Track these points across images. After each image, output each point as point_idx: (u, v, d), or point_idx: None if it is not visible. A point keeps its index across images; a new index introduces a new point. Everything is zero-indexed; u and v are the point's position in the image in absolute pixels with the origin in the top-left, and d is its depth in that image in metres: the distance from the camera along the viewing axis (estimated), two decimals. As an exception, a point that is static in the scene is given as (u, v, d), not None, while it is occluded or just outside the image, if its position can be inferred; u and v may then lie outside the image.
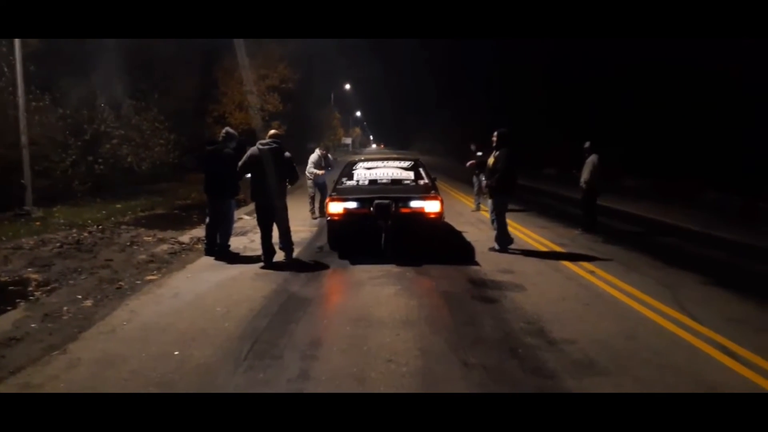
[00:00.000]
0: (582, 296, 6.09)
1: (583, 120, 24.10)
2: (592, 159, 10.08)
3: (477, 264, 7.57)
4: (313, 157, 11.61)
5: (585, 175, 10.13)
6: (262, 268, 7.34)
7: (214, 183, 7.72)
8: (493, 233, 8.54)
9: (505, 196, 8.39)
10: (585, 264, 7.59)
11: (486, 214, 10.69)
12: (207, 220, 7.98)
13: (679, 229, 11.37)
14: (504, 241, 8.43)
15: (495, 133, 8.47)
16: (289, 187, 7.66)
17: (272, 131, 7.92)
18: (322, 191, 11.56)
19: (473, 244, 8.96)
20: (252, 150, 7.40)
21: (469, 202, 14.28)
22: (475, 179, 12.78)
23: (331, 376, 3.90)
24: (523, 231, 10.37)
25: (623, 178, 19.94)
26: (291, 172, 7.55)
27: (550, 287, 6.45)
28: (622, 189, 18.33)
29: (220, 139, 7.95)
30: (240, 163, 7.44)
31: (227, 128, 8.25)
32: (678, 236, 10.53)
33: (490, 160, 8.44)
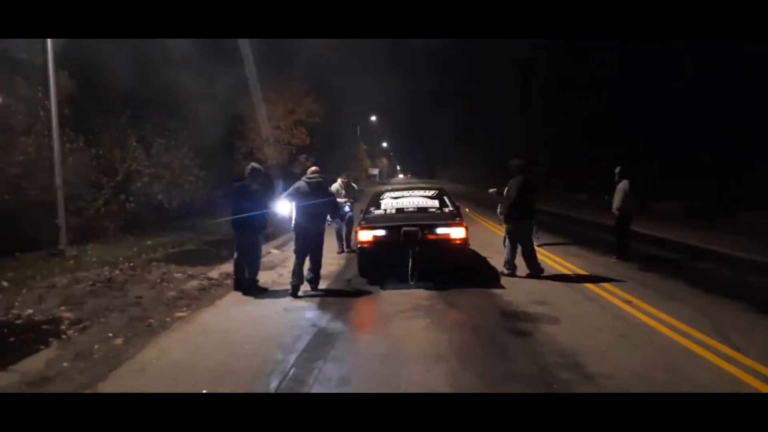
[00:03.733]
0: (618, 327, 5.89)
1: (614, 144, 23.82)
2: (623, 185, 9.89)
3: (508, 295, 7.42)
4: (335, 186, 11.27)
5: (617, 201, 9.94)
6: (292, 296, 7.50)
7: (242, 218, 7.77)
8: (520, 261, 8.67)
9: (518, 222, 8.62)
10: (620, 293, 7.38)
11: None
12: (235, 255, 8.02)
13: (717, 254, 11.01)
14: (512, 267, 8.63)
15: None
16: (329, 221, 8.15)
17: (313, 168, 8.35)
18: (348, 224, 11.47)
19: (507, 277, 8.78)
20: (300, 183, 7.89)
21: (498, 231, 14.10)
22: None
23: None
24: (555, 259, 10.18)
25: (655, 202, 19.52)
26: (333, 207, 8.12)
27: (585, 318, 6.26)
28: (655, 213, 17.91)
29: (247, 174, 8.03)
30: (286, 193, 7.95)
31: (253, 164, 8.36)
32: (716, 261, 10.20)
33: (505, 190, 8.77)
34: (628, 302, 6.92)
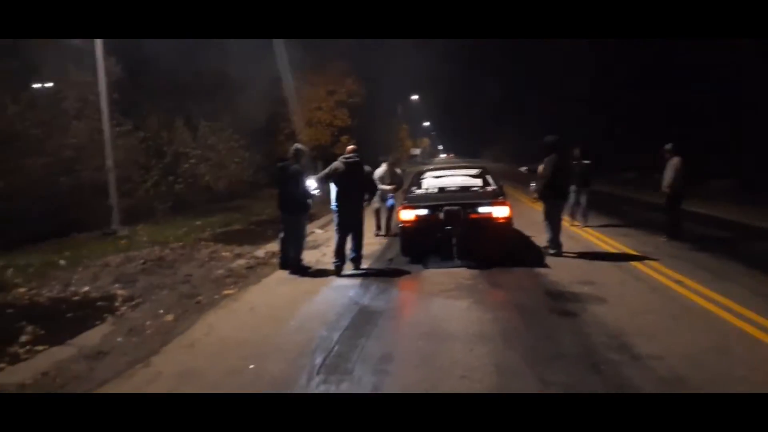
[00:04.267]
0: (669, 308, 5.72)
1: (665, 120, 23.00)
2: (674, 161, 9.54)
3: (554, 274, 7.30)
4: (379, 171, 10.86)
5: (667, 178, 9.60)
6: (335, 275, 7.58)
7: (287, 199, 7.86)
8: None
9: (553, 201, 8.53)
10: (671, 273, 7.16)
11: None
12: (281, 235, 8.13)
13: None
14: (556, 245, 8.54)
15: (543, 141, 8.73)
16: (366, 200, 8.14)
17: (351, 146, 8.31)
18: (390, 210, 11.09)
19: (552, 256, 8.64)
20: (336, 163, 7.90)
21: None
22: (572, 194, 11.08)
23: (402, 391, 3.82)
24: (602, 239, 9.95)
25: (709, 180, 18.77)
26: (370, 186, 8.20)
27: (634, 299, 6.11)
28: (709, 192, 17.23)
29: (290, 155, 8.09)
30: (323, 173, 7.97)
31: (296, 145, 8.40)
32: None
33: (540, 168, 8.58)
34: (679, 282, 6.71)
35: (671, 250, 8.80)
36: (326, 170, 7.95)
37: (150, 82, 15.30)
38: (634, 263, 7.88)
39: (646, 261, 7.95)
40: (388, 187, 10.79)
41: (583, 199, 11.29)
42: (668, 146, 9.75)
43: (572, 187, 11.01)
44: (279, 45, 21.10)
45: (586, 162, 11.30)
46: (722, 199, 15.97)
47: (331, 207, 8.19)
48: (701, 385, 3.79)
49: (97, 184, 11.65)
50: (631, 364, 4.21)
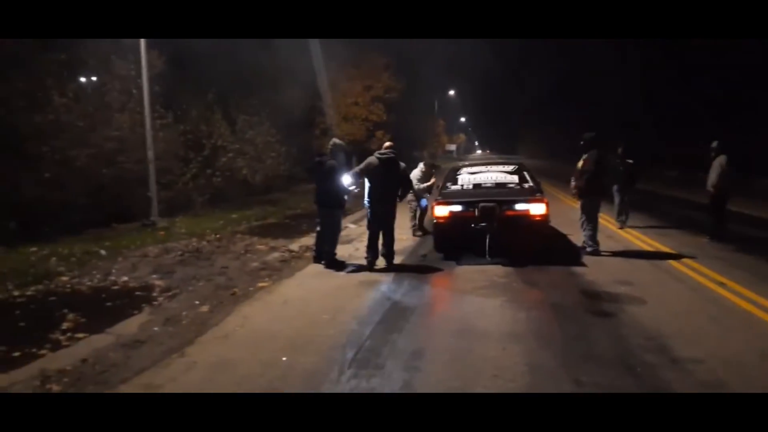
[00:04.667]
0: (710, 310, 5.55)
1: (709, 118, 22.29)
2: (720, 160, 9.24)
3: (591, 274, 7.16)
4: (416, 172, 10.67)
5: (712, 177, 9.30)
6: (368, 270, 7.60)
7: (323, 193, 7.89)
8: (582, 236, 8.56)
9: (592, 197, 8.38)
10: (713, 274, 6.94)
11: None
12: (317, 229, 8.17)
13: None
14: (594, 243, 8.38)
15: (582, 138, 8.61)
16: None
17: (388, 143, 8.28)
18: (424, 209, 10.80)
19: (589, 256, 8.46)
20: (371, 158, 7.87)
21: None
22: (616, 194, 10.97)
23: (434, 388, 3.80)
24: (642, 239, 9.71)
25: (757, 179, 18.10)
26: (405, 182, 8.04)
27: (673, 300, 5.94)
28: (756, 192, 16.63)
29: (329, 150, 8.12)
30: (358, 169, 7.90)
31: (335, 140, 8.42)
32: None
33: (579, 164, 8.45)
34: (721, 284, 6.50)
35: (714, 251, 8.53)
36: (361, 165, 7.93)
37: (191, 75, 15.57)
38: (674, 263, 7.68)
39: (687, 261, 7.74)
40: (423, 185, 10.60)
41: (626, 200, 10.94)
42: (714, 144, 9.45)
43: (615, 187, 10.80)
44: (314, 43, 21.20)
45: (630, 161, 10.93)
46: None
47: (364, 202, 8.19)
48: (742, 389, 3.66)
49: (137, 175, 11.93)
50: (669, 367, 4.10)
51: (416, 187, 10.34)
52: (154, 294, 6.52)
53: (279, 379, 4.02)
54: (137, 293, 6.56)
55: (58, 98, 11.17)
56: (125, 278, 7.23)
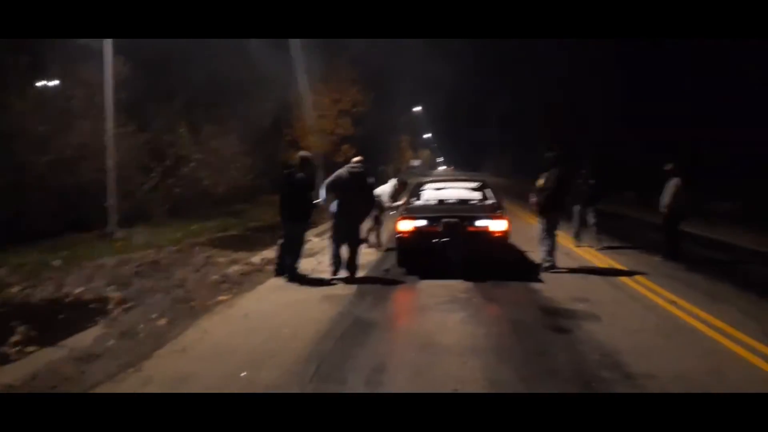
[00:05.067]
0: (662, 328, 5.73)
1: (666, 139, 23.09)
2: (674, 182, 9.56)
3: (549, 291, 7.31)
4: (387, 188, 10.63)
5: (666, 198, 9.62)
6: (331, 282, 7.70)
7: (290, 206, 7.85)
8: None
9: (554, 214, 8.53)
10: (666, 293, 7.17)
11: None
12: (280, 241, 8.12)
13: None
14: (551, 261, 8.52)
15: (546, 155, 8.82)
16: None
17: (357, 157, 8.35)
18: (380, 224, 10.74)
19: (546, 272, 8.63)
20: (341, 172, 7.93)
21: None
22: (576, 213, 11.08)
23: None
24: (598, 257, 9.96)
25: (712, 202, 18.80)
26: (371, 198, 8.33)
27: (628, 317, 6.11)
28: (711, 214, 17.24)
29: (297, 163, 8.11)
30: (329, 182, 7.89)
31: (302, 153, 8.42)
32: (769, 265, 9.81)
33: (540, 182, 8.61)
34: (673, 303, 6.72)
35: (667, 270, 8.81)
36: (331, 178, 7.93)
37: (158, 84, 15.32)
38: (629, 282, 7.90)
39: (642, 280, 7.97)
40: (395, 204, 10.46)
41: (591, 220, 10.95)
42: (669, 166, 9.77)
43: (576, 207, 11.00)
44: (296, 48, 21.20)
45: (592, 181, 10.98)
46: (724, 221, 16.01)
47: (330, 213, 8.17)
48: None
49: (97, 184, 11.65)
50: (624, 383, 4.21)
51: (387, 204, 10.42)
52: (110, 306, 6.36)
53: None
54: (92, 305, 6.40)
55: (18, 102, 10.85)
56: (80, 290, 7.04)
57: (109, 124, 11.17)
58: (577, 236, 11.17)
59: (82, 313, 6.08)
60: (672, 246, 9.76)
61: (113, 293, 6.87)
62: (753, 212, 16.87)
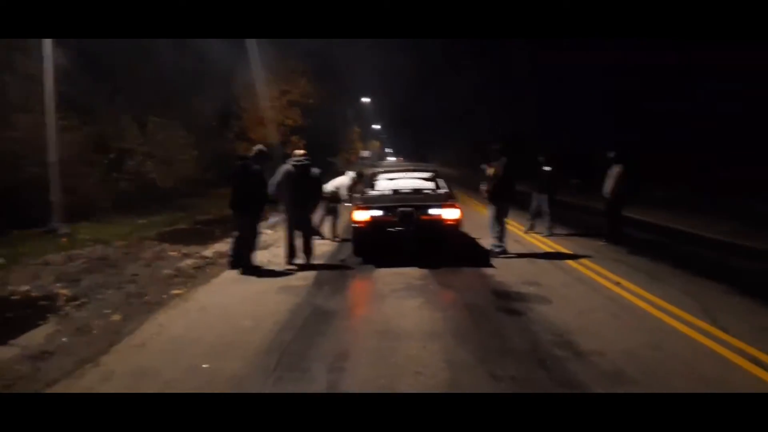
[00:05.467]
0: (609, 307, 6.04)
1: (609, 129, 23.95)
2: (616, 169, 10.01)
3: (500, 275, 7.55)
4: (345, 180, 10.65)
5: (609, 185, 10.06)
6: (286, 269, 7.94)
7: (244, 198, 7.78)
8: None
9: (503, 202, 8.84)
10: (610, 275, 7.53)
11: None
12: (234, 234, 8.04)
13: (704, 238, 11.23)
14: (502, 246, 8.88)
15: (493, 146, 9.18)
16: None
17: (301, 150, 8.70)
18: (337, 215, 10.88)
19: (497, 257, 8.89)
20: (287, 167, 8.16)
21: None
22: (534, 200, 11.37)
23: (359, 388, 3.91)
24: (545, 242, 10.32)
25: (652, 188, 19.69)
26: (319, 187, 8.64)
27: (576, 299, 6.41)
28: (651, 199, 18.06)
29: (253, 155, 8.07)
30: (277, 180, 8.09)
31: (259, 146, 8.41)
32: (705, 246, 10.41)
33: (490, 170, 8.90)
34: (618, 284, 7.07)
35: (611, 253, 9.23)
36: (279, 176, 8.12)
37: (100, 75, 14.78)
38: (575, 265, 8.24)
39: (588, 263, 8.33)
40: (346, 197, 10.46)
41: (544, 208, 11.17)
42: (611, 154, 10.20)
43: (534, 194, 11.29)
44: (248, 41, 20.81)
45: (547, 168, 11.19)
46: (662, 206, 16.81)
47: (282, 206, 8.37)
48: (639, 378, 4.06)
49: (38, 179, 11.18)
50: (575, 360, 4.45)
51: (345, 196, 10.48)
52: (60, 303, 6.17)
53: (203, 385, 3.98)
54: (41, 303, 6.19)
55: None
56: (26, 287, 6.79)
57: (50, 116, 10.73)
58: (532, 226, 11.46)
59: (31, 311, 5.87)
60: (615, 230, 10.22)
61: (62, 290, 6.66)
62: (687, 198, 17.81)
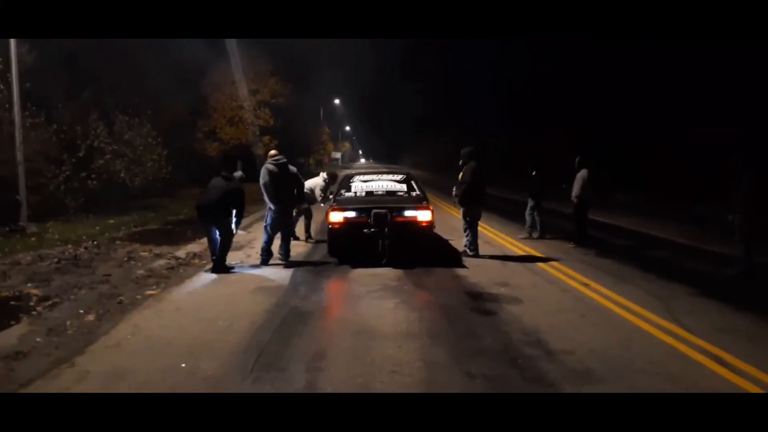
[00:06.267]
0: (578, 308, 6.22)
1: (574, 133, 24.42)
2: (582, 173, 10.28)
3: (473, 276, 7.70)
4: (319, 181, 10.74)
5: (576, 189, 10.32)
6: (261, 269, 8.12)
7: (219, 205, 7.73)
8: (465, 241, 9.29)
9: (473, 205, 9.08)
10: (579, 276, 7.75)
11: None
12: (213, 234, 7.97)
13: (669, 242, 11.58)
14: (474, 248, 9.11)
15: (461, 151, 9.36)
16: None
17: (274, 150, 9.00)
18: (310, 216, 10.91)
19: (470, 259, 9.06)
20: (269, 167, 8.36)
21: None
22: (529, 207, 11.51)
23: (337, 387, 3.98)
24: (516, 244, 10.53)
25: (614, 192, 20.19)
26: (301, 186, 9.30)
27: (546, 299, 6.58)
28: (614, 203, 18.56)
29: (229, 164, 8.46)
30: (267, 182, 8.28)
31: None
32: (668, 249, 10.72)
33: (460, 175, 9.14)
34: (586, 285, 7.28)
35: (579, 255, 9.48)
36: (265, 178, 8.31)
37: (67, 72, 14.52)
38: (545, 267, 8.44)
39: (557, 265, 8.54)
40: (319, 196, 10.56)
41: (527, 211, 11.46)
42: (577, 159, 10.48)
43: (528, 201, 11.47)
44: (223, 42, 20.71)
45: (533, 173, 11.47)
46: (628, 210, 17.25)
47: (268, 207, 8.50)
48: (607, 376, 4.21)
49: (4, 178, 10.96)
50: (546, 359, 4.59)
51: (319, 196, 10.57)
52: (32, 303, 6.12)
53: (181, 385, 4.00)
54: (12, 303, 6.13)
55: None
56: (-5, 288, 6.69)
57: (17, 114, 10.54)
58: (530, 233, 11.51)
59: (2, 311, 5.80)
60: (582, 233, 10.49)
61: (33, 290, 6.59)
62: (652, 202, 18.32)
